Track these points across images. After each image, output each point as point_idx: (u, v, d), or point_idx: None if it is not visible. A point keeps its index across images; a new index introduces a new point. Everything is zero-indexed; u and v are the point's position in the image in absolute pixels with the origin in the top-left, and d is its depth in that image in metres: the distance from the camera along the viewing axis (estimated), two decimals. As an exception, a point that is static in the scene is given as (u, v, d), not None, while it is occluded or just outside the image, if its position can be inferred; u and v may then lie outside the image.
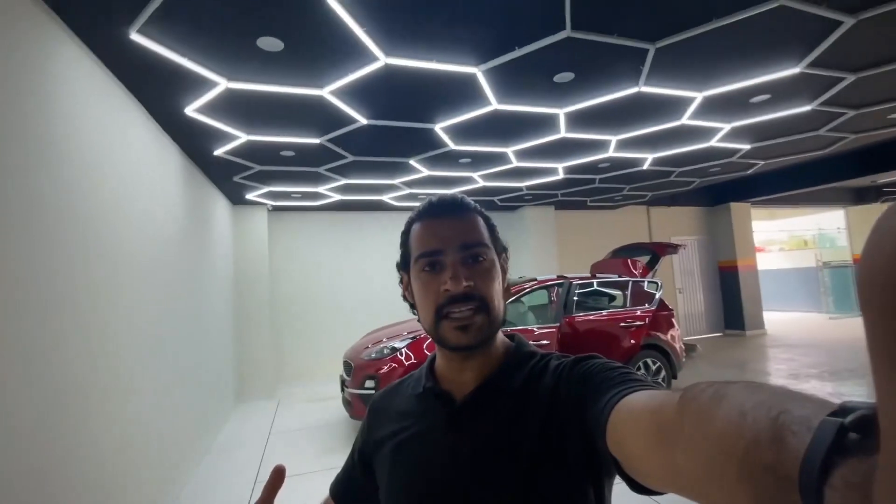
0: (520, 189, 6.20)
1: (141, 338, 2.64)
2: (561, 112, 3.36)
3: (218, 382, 4.69)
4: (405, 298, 0.73)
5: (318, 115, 3.15)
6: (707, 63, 2.75)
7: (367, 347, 4.46)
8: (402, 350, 4.22)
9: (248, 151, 3.83)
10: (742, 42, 2.51)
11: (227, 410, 5.22)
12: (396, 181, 5.26)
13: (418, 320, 0.69)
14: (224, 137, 3.47)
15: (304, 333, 6.85)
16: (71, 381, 1.83)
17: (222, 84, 2.58)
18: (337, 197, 6.00)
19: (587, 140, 4.12)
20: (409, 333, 4.46)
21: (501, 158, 4.55)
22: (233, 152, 3.82)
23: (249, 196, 5.64)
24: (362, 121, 3.28)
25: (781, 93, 3.29)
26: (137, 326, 2.60)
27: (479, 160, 4.56)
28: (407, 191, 5.83)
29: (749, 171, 6.40)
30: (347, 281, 7.13)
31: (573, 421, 0.55)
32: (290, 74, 2.56)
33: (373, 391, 4.05)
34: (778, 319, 10.40)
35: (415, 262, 0.67)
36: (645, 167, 5.34)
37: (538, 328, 4.47)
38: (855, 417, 0.22)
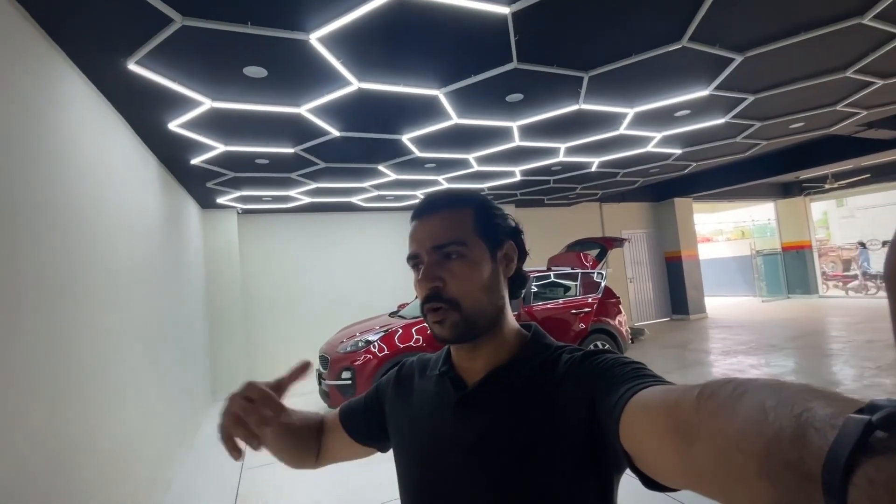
0: (482, 190, 6.63)
1: (129, 336, 2.86)
2: (514, 125, 3.79)
3: (195, 381, 4.87)
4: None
5: (293, 129, 3.44)
6: (633, 86, 3.24)
7: (342, 342, 4.77)
8: (376, 343, 4.56)
9: (225, 160, 4.04)
10: (660, 71, 3.01)
11: (205, 408, 5.39)
12: (366, 184, 5.56)
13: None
14: (202, 148, 3.68)
15: (277, 331, 7.03)
16: (68, 383, 2.09)
17: (207, 104, 2.83)
18: (307, 200, 6.23)
19: (539, 147, 4.59)
20: (381, 327, 4.81)
21: (463, 163, 4.96)
22: (209, 161, 4.02)
23: (220, 200, 5.79)
24: (335, 133, 3.58)
25: (698, 109, 3.86)
26: (124, 326, 2.83)
27: (442, 165, 4.94)
28: (375, 193, 6.13)
29: (685, 171, 7.11)
30: (318, 280, 7.35)
31: (580, 414, 0.55)
32: (271, 96, 2.84)
33: (349, 381, 4.38)
34: (719, 304, 11.41)
35: (407, 261, 0.71)
36: (593, 169, 5.89)
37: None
38: (883, 415, 0.22)
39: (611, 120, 3.93)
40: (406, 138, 3.88)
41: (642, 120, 4.02)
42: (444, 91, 2.98)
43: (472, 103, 3.25)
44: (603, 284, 5.39)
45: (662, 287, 10.04)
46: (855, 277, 11.10)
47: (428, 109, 3.28)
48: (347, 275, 7.52)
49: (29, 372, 1.65)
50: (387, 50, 2.43)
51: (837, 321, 8.07)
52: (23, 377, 1.60)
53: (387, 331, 4.71)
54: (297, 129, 3.46)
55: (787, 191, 11.37)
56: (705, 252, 12.02)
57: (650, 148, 5.06)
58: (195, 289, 5.24)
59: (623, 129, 4.22)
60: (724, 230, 15.98)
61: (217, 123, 3.19)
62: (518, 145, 4.40)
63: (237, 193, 5.47)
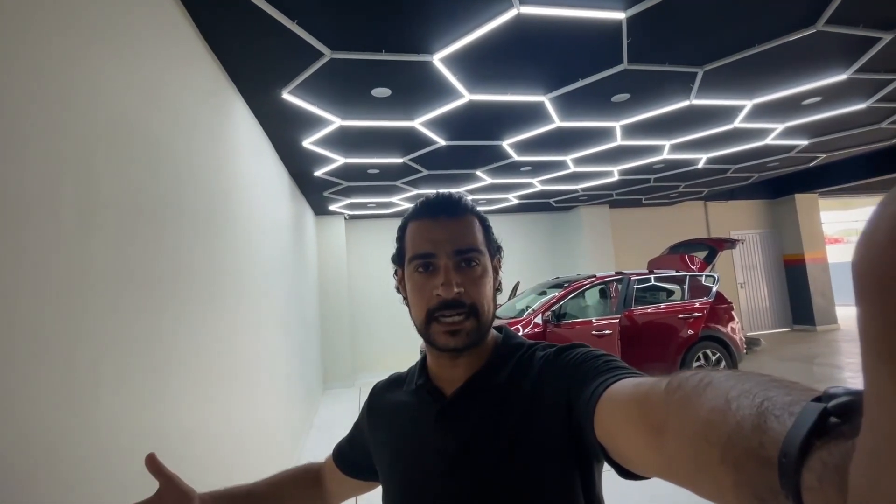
0: (575, 191, 6.55)
1: (272, 325, 3.35)
2: (617, 125, 3.75)
3: (312, 370, 5.46)
4: (398, 291, 0.75)
5: (405, 140, 3.75)
6: (754, 77, 3.05)
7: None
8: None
9: (342, 171, 4.52)
10: (786, 59, 2.80)
11: (319, 395, 6.00)
12: (461, 189, 5.80)
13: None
14: (326, 161, 4.16)
15: (376, 329, 7.57)
16: (232, 366, 2.51)
17: (337, 122, 3.23)
18: (406, 205, 6.65)
19: (641, 146, 4.45)
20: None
21: (560, 165, 4.97)
22: (329, 172, 4.52)
23: (332, 207, 6.41)
24: (441, 142, 3.84)
25: (832, 95, 3.49)
26: (269, 317, 3.31)
27: (538, 168, 5.00)
28: (470, 197, 6.33)
29: (811, 164, 6.36)
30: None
31: (558, 410, 0.56)
32: (391, 112, 3.16)
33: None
34: (852, 314, 9.91)
35: (409, 262, 0.68)
36: (700, 166, 5.53)
37: (597, 320, 4.84)
38: (837, 403, 0.23)
39: (725, 114, 3.71)
40: (506, 143, 4.02)
41: (762, 111, 3.73)
42: (549, 96, 3.07)
43: (576, 106, 3.29)
44: (715, 289, 5.04)
45: (780, 294, 9.00)
46: None
47: (532, 115, 3.39)
48: (441, 276, 7.85)
49: (206, 354, 2.06)
50: (500, 63, 2.59)
51: None
52: (201, 359, 2.00)
53: (484, 330, 4.86)
54: (407, 141, 3.77)
55: (948, 182, 9.54)
56: (834, 255, 10.51)
57: (769, 141, 4.64)
58: (311, 288, 5.88)
59: (738, 123, 3.95)
60: (858, 229, 13.82)
61: (341, 139, 3.61)
62: (619, 145, 4.32)
63: (347, 201, 6.03)
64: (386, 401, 0.78)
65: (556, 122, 3.55)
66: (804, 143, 4.87)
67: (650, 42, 2.49)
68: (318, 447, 4.29)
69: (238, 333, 2.35)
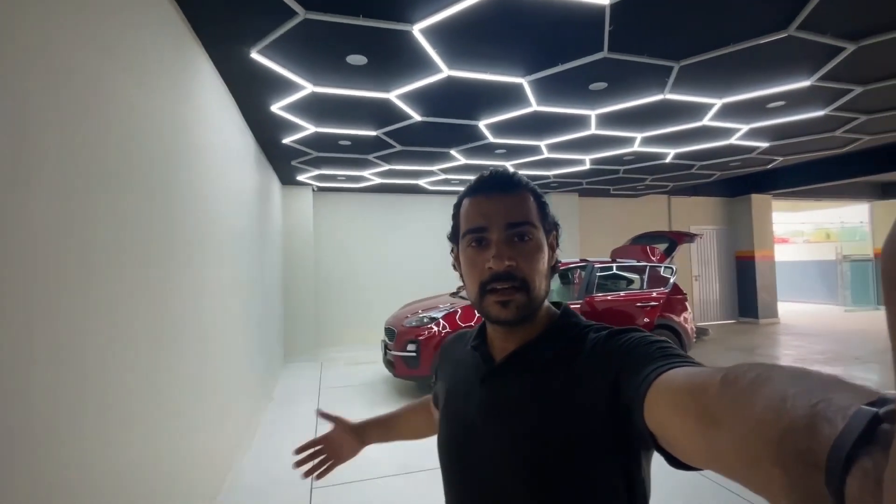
0: (547, 177, 6.61)
1: (232, 292, 3.24)
2: (593, 113, 3.77)
3: (273, 343, 5.36)
4: (455, 268, 0.75)
5: (380, 113, 3.65)
6: (725, 77, 3.13)
7: (408, 317, 5.04)
8: (439, 320, 4.79)
9: (313, 140, 4.36)
10: (757, 61, 2.88)
11: (279, 367, 5.92)
12: (434, 168, 5.74)
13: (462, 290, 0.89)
14: (296, 129, 4.00)
15: (342, 303, 7.50)
16: (195, 328, 2.43)
17: (309, 88, 3.09)
18: (378, 180, 6.52)
19: (614, 136, 4.52)
20: (443, 306, 5.02)
21: (534, 150, 4.99)
22: (299, 141, 4.36)
23: (300, 177, 6.21)
24: (417, 118, 3.76)
25: (795, 100, 3.64)
26: (231, 283, 3.21)
27: (513, 151, 5.00)
28: (442, 176, 6.30)
29: (769, 166, 6.66)
30: (381, 258, 7.72)
31: (601, 391, 0.56)
32: (367, 82, 3.05)
33: (414, 353, 4.65)
34: (793, 310, 10.65)
35: (462, 237, 0.70)
36: (667, 160, 5.69)
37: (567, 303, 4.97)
38: (889, 408, 0.22)
39: (696, 110, 3.80)
40: (482, 124, 3.99)
41: (730, 111, 3.85)
42: (528, 79, 3.04)
43: (554, 91, 3.29)
44: (672, 280, 5.26)
45: (730, 287, 9.53)
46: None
47: (509, 97, 3.36)
48: (410, 255, 7.83)
49: (175, 315, 1.98)
50: (481, 40, 2.54)
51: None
52: (157, 327, 1.92)
53: (449, 310, 4.91)
54: (382, 113, 3.66)
55: (887, 191, 10.27)
56: (781, 254, 11.18)
57: (734, 140, 4.82)
58: (275, 259, 5.72)
59: (707, 120, 4.07)
60: (804, 231, 14.73)
61: (313, 107, 3.46)
62: (593, 133, 4.36)
63: (316, 172, 5.85)
64: (450, 353, 0.86)
65: (534, 105, 3.54)
66: (765, 145, 5.08)
67: (631, 32, 2.49)
68: (278, 419, 4.25)
69: (196, 301, 2.26)
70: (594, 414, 0.56)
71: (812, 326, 8.67)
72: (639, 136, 4.53)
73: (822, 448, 0.24)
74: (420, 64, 2.79)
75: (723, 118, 4.05)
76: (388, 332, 5.11)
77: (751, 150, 5.32)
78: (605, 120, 3.99)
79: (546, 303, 0.70)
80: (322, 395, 4.96)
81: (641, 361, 0.53)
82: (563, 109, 3.67)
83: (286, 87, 3.07)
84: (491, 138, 4.43)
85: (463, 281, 0.73)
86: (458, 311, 4.88)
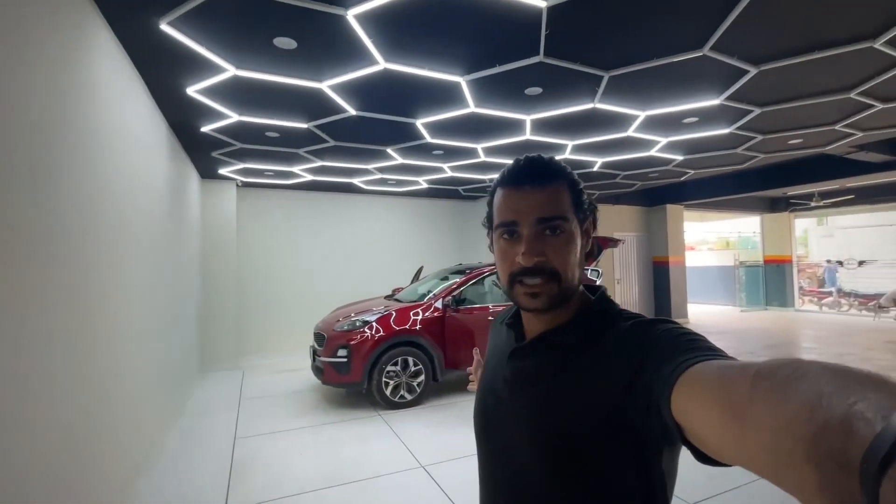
0: (483, 181, 6.69)
1: (136, 296, 2.87)
2: (528, 118, 3.85)
3: (186, 351, 4.86)
4: (491, 251, 0.77)
5: (311, 104, 3.44)
6: (649, 89, 3.33)
7: (339, 321, 4.82)
8: (373, 323, 4.62)
9: (236, 130, 4.02)
10: (676, 77, 3.10)
11: (194, 377, 5.39)
12: (370, 166, 5.57)
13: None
14: (216, 116, 3.65)
15: (267, 307, 7.03)
16: (64, 330, 2.10)
17: (230, 71, 2.82)
18: (309, 177, 6.20)
19: (548, 143, 4.66)
20: (377, 309, 4.86)
21: (471, 153, 5.00)
22: (220, 130, 3.99)
23: (222, 171, 5.73)
24: (352, 111, 3.59)
25: (707, 117, 3.97)
26: (135, 285, 2.83)
27: (450, 153, 4.98)
28: (378, 176, 6.14)
29: (682, 178, 7.28)
30: (313, 259, 7.35)
31: (621, 380, 0.56)
32: (296, 69, 2.84)
33: (345, 359, 4.44)
34: (700, 311, 11.75)
35: (495, 229, 0.71)
36: (595, 169, 6.00)
37: (494, 306, 5.03)
38: None
39: (622, 121, 4.02)
40: (420, 123, 3.91)
41: (651, 124, 4.12)
42: (467, 78, 3.02)
43: (491, 93, 3.29)
44: (599, 282, 5.52)
45: (648, 290, 10.28)
46: (830, 294, 11.54)
47: (447, 95, 3.32)
48: (342, 256, 7.54)
49: (52, 319, 1.67)
50: (419, 33, 2.46)
51: (812, 334, 8.41)
52: (45, 327, 1.62)
53: (383, 313, 4.77)
54: (314, 105, 3.46)
55: (774, 205, 11.70)
56: (689, 260, 12.31)
57: (654, 152, 5.18)
58: (191, 258, 5.21)
59: (631, 132, 4.32)
60: (707, 240, 16.38)
61: (236, 92, 3.18)
62: (528, 139, 4.46)
63: (240, 165, 5.42)
64: (497, 326, 0.89)
65: (472, 107, 3.53)
66: (680, 157, 5.52)
67: (566, 38, 2.55)
68: (188, 437, 3.83)
69: (82, 305, 1.93)
70: (610, 400, 0.56)
71: (715, 325, 9.60)
72: (570, 143, 4.71)
73: (859, 448, 0.24)
74: (355, 53, 2.65)
75: (645, 130, 4.32)
76: (318, 337, 4.84)
77: (668, 162, 5.76)
78: (540, 126, 4.09)
79: (580, 288, 0.71)
80: (242, 408, 4.57)
81: (669, 352, 0.52)
82: (500, 112, 3.71)
83: (204, 67, 2.77)
84: (429, 138, 4.37)
85: (497, 268, 0.74)
86: (392, 314, 4.75)
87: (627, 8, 2.27)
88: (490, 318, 4.87)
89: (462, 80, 3.04)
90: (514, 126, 4.09)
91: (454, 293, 4.94)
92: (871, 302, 10.48)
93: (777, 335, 8.28)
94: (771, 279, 12.05)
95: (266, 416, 4.29)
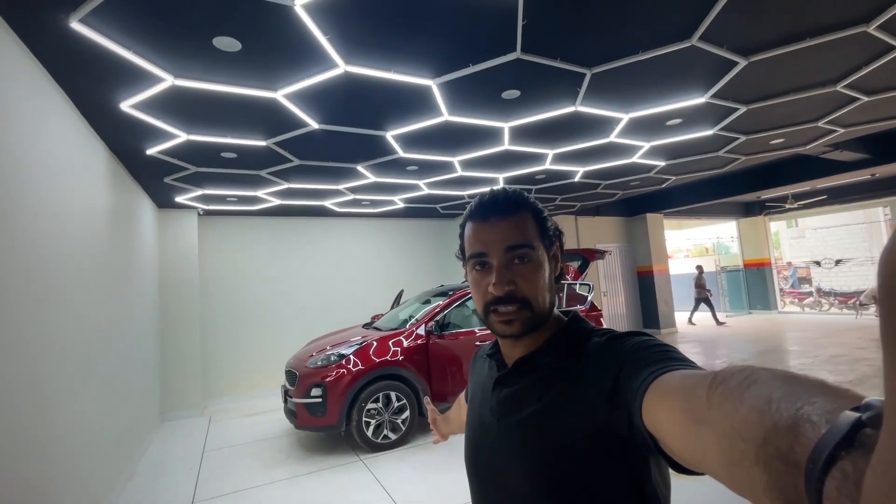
0: (461, 197, 6.42)
1: (58, 348, 2.41)
2: (506, 126, 3.59)
3: (141, 399, 4.32)
4: (466, 282, 0.80)
5: (267, 118, 3.10)
6: (633, 89, 3.12)
7: (312, 356, 4.38)
8: (350, 356, 4.20)
9: (186, 152, 3.63)
10: (662, 73, 2.89)
11: (152, 429, 4.81)
12: (341, 186, 5.22)
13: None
14: (161, 136, 3.27)
15: (239, 345, 6.48)
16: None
17: (168, 81, 2.47)
18: (276, 202, 5.81)
19: (527, 153, 4.42)
20: (354, 340, 4.45)
21: (447, 167, 4.72)
22: (168, 152, 3.60)
23: (179, 199, 5.29)
24: (314, 125, 3.27)
25: (691, 118, 3.80)
26: (53, 335, 2.38)
27: (426, 168, 4.69)
28: (351, 196, 5.80)
29: (663, 186, 7.18)
30: (285, 290, 6.88)
31: (601, 394, 0.57)
32: (245, 75, 2.51)
33: (320, 399, 3.99)
34: (685, 318, 11.63)
35: (467, 260, 0.74)
36: (576, 179, 5.80)
37: (480, 330, 4.67)
38: (873, 414, 0.22)
39: (604, 125, 3.81)
40: (390, 135, 3.61)
41: (634, 127, 3.92)
42: (437, 81, 2.74)
43: (466, 98, 3.03)
44: (590, 297, 5.25)
45: (634, 301, 10.11)
46: (810, 294, 11.62)
47: (418, 102, 3.03)
48: (317, 285, 7.09)
49: None
50: (381, 27, 2.17)
51: (799, 336, 8.31)
52: None
53: (361, 344, 4.36)
54: (271, 118, 3.12)
55: (749, 210, 11.83)
56: (672, 268, 12.26)
57: (636, 158, 5.01)
58: (145, 297, 4.71)
59: (614, 137, 4.12)
60: (682, 247, 16.49)
61: (179, 106, 2.82)
62: (506, 149, 4.21)
63: (199, 192, 5.00)
64: (478, 360, 0.90)
65: (445, 114, 3.25)
66: (661, 163, 5.37)
67: (545, 30, 2.30)
68: (140, 499, 3.30)
69: (13, 368, 1.50)
70: (595, 414, 0.57)
71: (703, 333, 9.45)
72: (550, 152, 4.49)
73: (804, 449, 0.25)
74: (310, 54, 2.34)
75: (628, 135, 4.13)
76: (289, 375, 4.38)
77: (649, 168, 5.61)
78: (519, 134, 3.84)
79: (555, 311, 0.73)
80: (205, 461, 4.04)
81: (641, 364, 0.53)
82: (476, 120, 3.44)
83: (135, 76, 2.41)
84: (401, 152, 4.07)
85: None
86: (372, 345, 4.34)
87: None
88: (477, 343, 4.51)
89: (433, 84, 2.76)
90: (492, 135, 3.83)
91: (437, 318, 4.57)
92: (850, 300, 10.56)
93: (766, 340, 8.14)
94: (752, 283, 12.08)
95: (232, 471, 3.78)
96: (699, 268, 10.97)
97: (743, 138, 4.52)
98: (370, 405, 4.08)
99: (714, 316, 10.55)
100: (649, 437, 0.47)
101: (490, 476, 0.73)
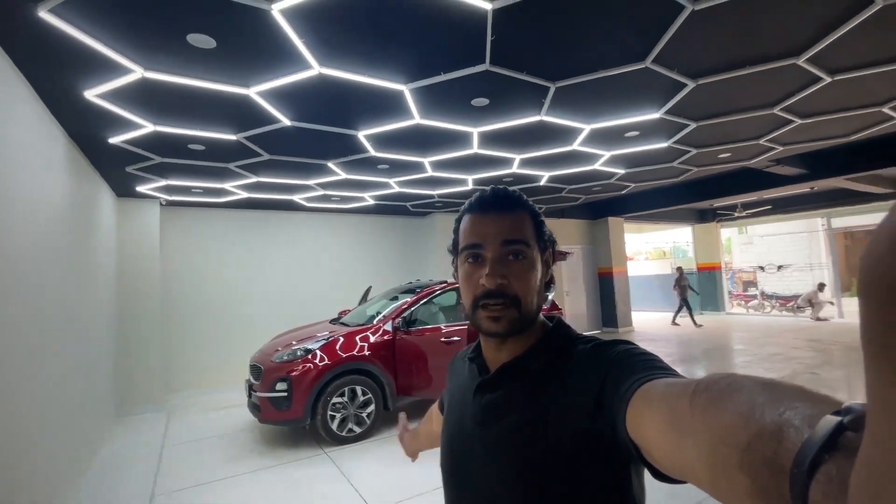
0: (431, 196, 6.54)
1: (10, 340, 2.37)
2: (475, 131, 3.74)
3: (95, 394, 4.21)
4: (455, 278, 0.77)
5: (239, 113, 3.11)
6: (594, 103, 3.33)
7: (278, 350, 4.39)
8: (316, 351, 4.24)
9: (152, 142, 3.57)
10: (620, 90, 3.11)
11: (106, 426, 4.68)
12: (311, 182, 5.23)
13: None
14: (126, 125, 3.21)
15: (202, 339, 6.36)
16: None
17: (138, 72, 2.45)
18: (244, 195, 5.74)
19: (495, 157, 4.59)
20: (321, 335, 4.49)
21: (418, 167, 4.83)
22: (133, 142, 3.53)
23: (141, 188, 5.14)
24: (286, 122, 3.30)
25: (647, 131, 4.07)
26: (11, 322, 2.34)
27: (396, 167, 4.78)
28: (321, 192, 5.80)
29: (623, 192, 7.54)
30: (251, 284, 6.79)
31: (586, 403, 0.57)
32: (218, 72, 2.53)
33: (285, 393, 4.02)
34: (642, 318, 12.21)
35: (460, 252, 0.73)
36: (542, 183, 6.03)
37: (446, 326, 4.81)
38: (854, 417, 0.23)
39: (567, 134, 4.02)
40: (363, 135, 3.68)
41: (596, 137, 4.15)
42: (410, 87, 2.84)
43: (437, 103, 3.14)
44: (551, 296, 5.48)
45: (595, 301, 10.53)
46: (755, 297, 12.46)
47: (390, 105, 3.12)
48: (284, 279, 7.04)
49: None
50: (356, 34, 2.25)
51: (743, 336, 8.94)
52: None
53: (328, 339, 4.41)
54: (242, 114, 3.13)
55: (703, 217, 12.53)
56: (631, 269, 12.84)
57: (598, 166, 5.27)
58: (102, 287, 4.57)
59: (577, 145, 4.34)
60: (641, 250, 17.26)
61: (148, 98, 2.79)
62: (476, 153, 4.36)
63: (162, 182, 4.89)
64: (457, 364, 0.88)
65: (417, 118, 3.36)
66: (621, 171, 5.67)
67: (512, 45, 2.45)
68: (95, 494, 3.25)
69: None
70: (580, 423, 0.57)
71: (657, 332, 9.98)
72: (518, 157, 4.67)
73: (788, 454, 0.25)
74: (285, 55, 2.39)
75: (590, 144, 4.36)
76: (254, 370, 4.38)
77: (610, 175, 5.90)
78: (488, 139, 4.00)
79: (540, 317, 0.73)
80: (164, 457, 3.99)
81: (625, 373, 0.54)
82: (447, 125, 3.56)
83: (104, 67, 2.39)
84: (373, 151, 4.14)
85: (461, 293, 0.75)
86: (338, 340, 4.40)
87: (573, 16, 2.20)
88: (443, 339, 4.65)
89: (406, 89, 2.86)
90: (462, 139, 3.96)
91: (404, 314, 4.68)
92: (789, 303, 11.41)
93: (713, 339, 8.71)
94: (704, 285, 12.81)
95: (193, 466, 3.76)
96: (679, 269, 11.28)
97: (694, 151, 4.85)
98: (336, 399, 4.14)
99: (691, 317, 10.69)
100: (633, 445, 0.47)
101: (468, 483, 0.71)
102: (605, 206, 9.64)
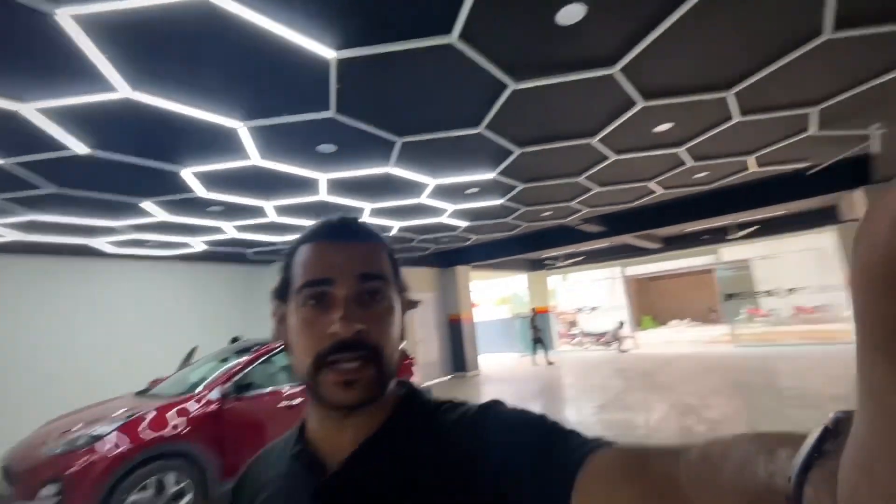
0: (275, 244, 6.05)
1: None
2: (324, 177, 3.62)
3: None
4: (277, 336, 0.58)
5: (9, 132, 2.42)
6: (437, 159, 3.56)
7: (46, 442, 3.31)
8: (109, 436, 3.33)
9: None
10: (460, 150, 3.40)
11: None
12: (118, 223, 4.34)
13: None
14: None
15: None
16: None
17: None
18: (13, 237, 4.44)
19: (345, 205, 4.50)
20: (120, 413, 3.57)
21: (258, 211, 4.43)
22: None
23: None
24: (81, 149, 2.69)
25: (485, 189, 4.51)
26: None
27: (233, 210, 4.30)
28: (131, 236, 4.85)
29: (467, 243, 8.16)
30: (23, 352, 5.14)
31: (485, 479, 0.46)
32: (-30, 76, 1.94)
33: (55, 500, 3.00)
34: (489, 361, 13.03)
35: (297, 293, 0.53)
36: (393, 233, 6.13)
37: (289, 387, 4.32)
38: (836, 418, 0.23)
39: (414, 187, 4.19)
40: (188, 172, 3.23)
41: (441, 192, 4.43)
42: (247, 125, 2.62)
43: (279, 145, 2.96)
44: (401, 346, 5.42)
45: (447, 347, 10.88)
46: (577, 335, 14.51)
47: (223, 142, 2.82)
48: (76, 345, 5.53)
49: None
50: (180, 60, 2.00)
51: (570, 371, 10.19)
52: None
53: (129, 418, 3.52)
54: (14, 134, 2.45)
55: (534, 266, 14.32)
56: (478, 315, 13.77)
57: (443, 219, 5.60)
58: None
59: (424, 198, 4.55)
60: (489, 296, 18.84)
61: None
62: (323, 200, 4.22)
63: None
64: (255, 479, 0.59)
65: (256, 158, 3.10)
66: (465, 224, 6.14)
67: (358, 96, 2.47)
68: None
69: None
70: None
71: (500, 373, 10.72)
72: (369, 206, 4.67)
73: (782, 473, 0.25)
74: (80, 71, 1.97)
75: (435, 197, 4.62)
76: (4, 472, 3.21)
77: (455, 227, 6.34)
78: (337, 186, 3.91)
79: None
80: None
81: (546, 442, 0.45)
82: (291, 169, 3.37)
83: None
84: (203, 192, 3.65)
85: (289, 350, 0.55)
86: (143, 419, 3.53)
87: (416, 78, 2.34)
88: (284, 403, 4.14)
89: (242, 126, 2.62)
90: (308, 184, 3.79)
91: (236, 378, 4.05)
92: (601, 339, 13.58)
93: (546, 378, 9.72)
94: (539, 327, 14.43)
95: None
96: (534, 310, 12.45)
97: (523, 209, 5.55)
98: (134, 497, 3.26)
99: (545, 355, 11.75)
100: None
101: None
102: (453, 255, 10.26)
